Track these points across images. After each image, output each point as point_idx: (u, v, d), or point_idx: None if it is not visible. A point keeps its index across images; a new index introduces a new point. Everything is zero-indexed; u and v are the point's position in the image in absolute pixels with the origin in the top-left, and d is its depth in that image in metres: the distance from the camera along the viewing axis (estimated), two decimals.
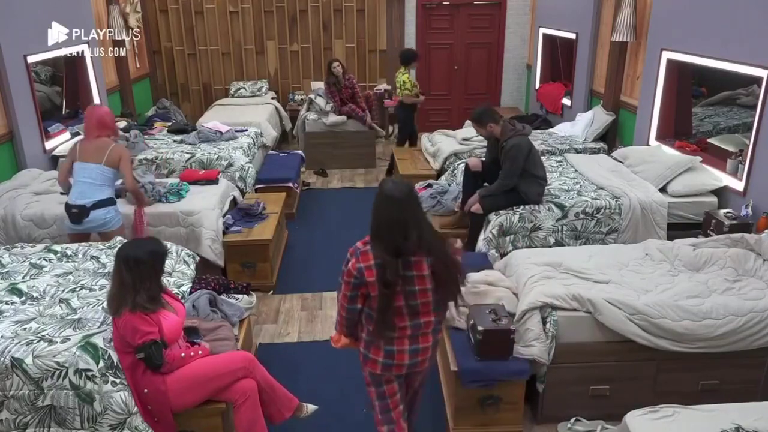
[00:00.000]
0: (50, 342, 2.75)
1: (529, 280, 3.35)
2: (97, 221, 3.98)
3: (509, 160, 4.29)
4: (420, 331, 2.42)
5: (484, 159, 4.77)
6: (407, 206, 2.31)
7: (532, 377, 3.14)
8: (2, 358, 2.66)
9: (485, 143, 4.89)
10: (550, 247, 4.29)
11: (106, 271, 3.54)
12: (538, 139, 6.50)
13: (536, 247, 4.31)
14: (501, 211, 4.38)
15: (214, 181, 5.11)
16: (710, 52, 4.66)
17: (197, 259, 4.02)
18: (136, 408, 2.68)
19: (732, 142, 4.90)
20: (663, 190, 4.70)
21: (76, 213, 3.92)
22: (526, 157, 4.28)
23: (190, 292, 3.46)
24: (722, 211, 4.26)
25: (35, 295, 3.27)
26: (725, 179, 4.58)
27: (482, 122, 4.39)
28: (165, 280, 3.13)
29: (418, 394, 2.75)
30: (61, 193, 4.38)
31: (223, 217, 4.77)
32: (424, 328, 2.43)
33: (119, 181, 4.22)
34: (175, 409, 2.72)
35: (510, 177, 4.32)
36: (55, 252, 3.80)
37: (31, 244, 3.99)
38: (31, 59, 5.41)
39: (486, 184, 4.65)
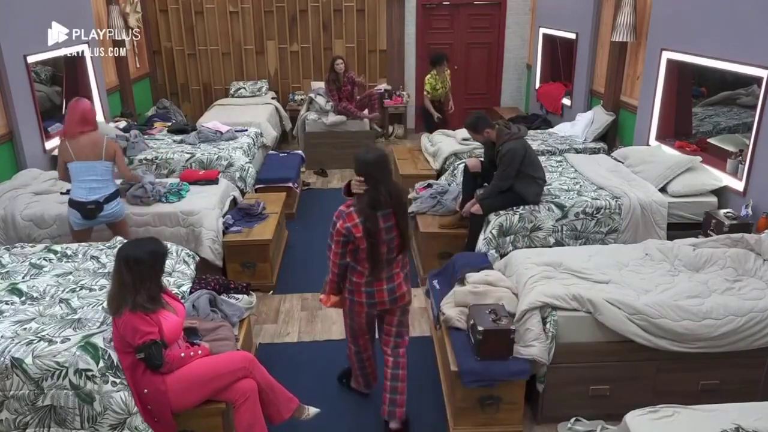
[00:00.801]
0: (50, 342, 2.75)
1: (529, 280, 3.35)
2: (109, 214, 4.10)
3: (503, 164, 4.31)
4: (392, 272, 3.02)
5: (482, 159, 4.78)
6: (376, 167, 2.89)
7: (532, 377, 3.14)
8: (2, 358, 2.67)
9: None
10: (550, 247, 4.29)
11: (106, 271, 3.55)
12: (538, 139, 6.50)
13: (536, 247, 4.32)
14: (501, 212, 4.38)
15: (214, 181, 5.11)
16: (710, 52, 4.66)
17: (197, 259, 4.03)
18: (136, 408, 2.68)
19: (732, 142, 4.90)
20: (663, 190, 4.70)
21: (93, 209, 4.02)
22: (521, 160, 4.29)
23: (190, 292, 3.46)
24: (722, 211, 4.26)
25: (35, 295, 3.27)
26: (725, 179, 4.58)
27: (478, 129, 4.40)
28: (165, 280, 3.13)
29: (402, 324, 3.17)
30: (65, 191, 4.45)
31: (223, 217, 4.77)
32: (396, 268, 3.02)
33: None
34: (175, 409, 2.72)
35: (504, 179, 4.33)
36: (55, 252, 3.80)
37: (31, 244, 4.00)
38: (31, 59, 5.41)
39: (486, 184, 4.65)
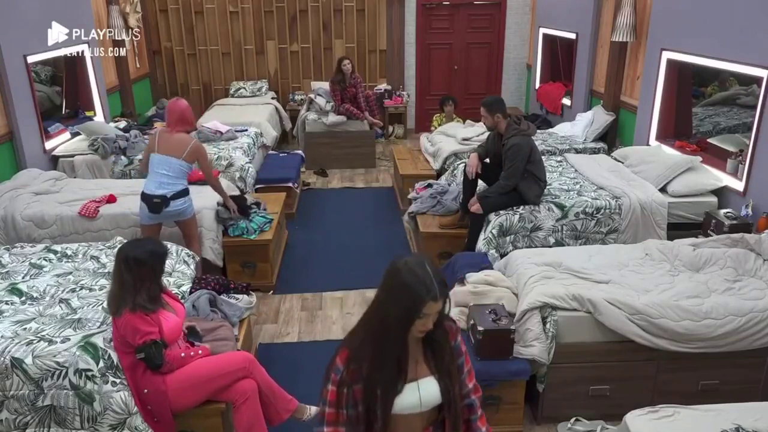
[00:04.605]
0: (50, 342, 2.75)
1: (529, 280, 3.35)
2: (174, 211, 4.09)
3: (509, 160, 4.28)
4: None
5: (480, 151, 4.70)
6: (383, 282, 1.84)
7: (532, 377, 3.14)
8: (2, 358, 2.67)
9: (484, 140, 4.86)
10: (550, 247, 4.29)
11: (106, 271, 3.55)
12: (538, 139, 6.49)
13: (536, 247, 4.31)
14: (501, 211, 4.38)
15: None
16: (710, 52, 4.66)
17: (197, 259, 4.03)
18: (136, 408, 2.68)
19: (732, 142, 4.90)
20: (663, 190, 4.70)
21: (158, 203, 4.01)
22: (526, 158, 4.27)
23: (190, 292, 3.46)
24: (722, 211, 4.26)
25: (35, 295, 3.27)
26: (725, 179, 4.58)
27: (492, 110, 4.35)
28: (165, 280, 3.13)
29: None
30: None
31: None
32: None
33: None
34: (175, 409, 2.72)
35: (511, 178, 4.31)
36: (55, 252, 3.80)
37: (31, 244, 4.00)
38: (31, 59, 5.41)
39: (484, 182, 4.65)
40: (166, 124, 4.15)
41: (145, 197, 4.03)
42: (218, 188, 4.40)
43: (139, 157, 5.73)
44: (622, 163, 5.32)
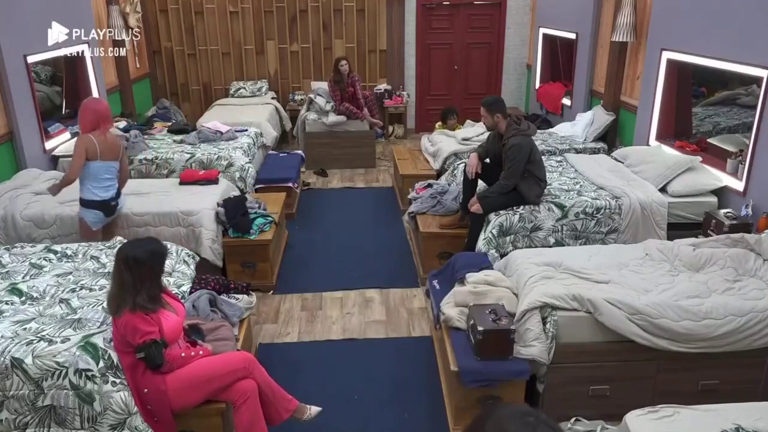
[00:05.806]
0: (50, 342, 2.75)
1: (529, 280, 3.35)
2: (120, 207, 4.29)
3: (509, 160, 4.29)
4: None
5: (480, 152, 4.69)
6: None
7: (532, 377, 3.14)
8: (2, 358, 2.66)
9: (484, 141, 4.86)
10: (550, 247, 4.29)
11: (106, 271, 3.55)
12: (538, 139, 6.48)
13: (536, 247, 4.31)
14: (501, 211, 4.38)
15: (214, 181, 5.11)
16: (710, 52, 4.66)
17: (197, 259, 4.03)
18: (136, 408, 2.68)
19: (732, 142, 4.90)
20: (663, 190, 4.70)
21: (114, 205, 4.19)
22: (526, 158, 4.27)
23: (190, 292, 3.46)
24: (722, 211, 4.26)
25: (35, 295, 3.27)
26: (725, 179, 4.58)
27: (492, 110, 4.37)
28: (165, 280, 3.14)
29: None
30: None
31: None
32: None
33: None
34: (175, 409, 2.72)
35: (511, 178, 4.31)
36: (55, 252, 3.80)
37: (31, 244, 4.00)
38: (31, 59, 5.41)
39: (484, 182, 4.65)
40: (94, 126, 3.94)
41: (101, 204, 4.08)
42: (126, 180, 4.38)
43: (140, 157, 5.74)
44: (622, 163, 5.32)
